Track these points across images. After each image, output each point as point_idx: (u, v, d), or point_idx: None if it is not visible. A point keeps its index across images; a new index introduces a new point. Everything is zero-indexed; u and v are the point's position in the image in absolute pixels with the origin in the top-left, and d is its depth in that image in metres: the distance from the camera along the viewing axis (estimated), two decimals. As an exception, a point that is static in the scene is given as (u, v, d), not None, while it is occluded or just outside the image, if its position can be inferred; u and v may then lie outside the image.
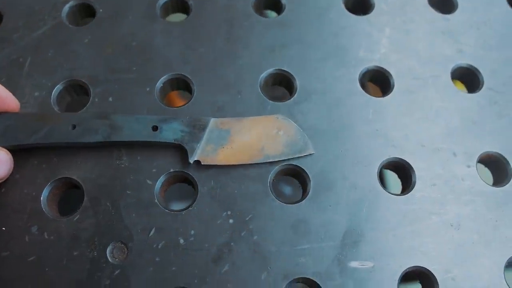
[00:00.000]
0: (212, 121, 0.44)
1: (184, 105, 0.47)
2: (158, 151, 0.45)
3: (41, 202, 0.43)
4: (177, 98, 0.61)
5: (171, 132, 0.43)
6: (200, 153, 0.43)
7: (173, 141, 0.43)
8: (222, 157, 0.43)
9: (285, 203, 0.44)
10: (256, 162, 0.44)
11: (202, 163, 0.43)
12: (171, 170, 0.44)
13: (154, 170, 0.44)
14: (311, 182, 0.45)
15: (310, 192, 0.44)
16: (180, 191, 0.49)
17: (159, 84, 0.48)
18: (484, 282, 0.43)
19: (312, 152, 0.45)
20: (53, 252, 0.42)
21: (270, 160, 0.44)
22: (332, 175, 0.45)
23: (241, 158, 0.44)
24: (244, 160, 0.44)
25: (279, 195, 0.44)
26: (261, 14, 0.53)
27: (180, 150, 0.45)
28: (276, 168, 0.45)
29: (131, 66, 0.48)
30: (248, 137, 0.44)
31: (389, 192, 0.45)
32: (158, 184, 0.44)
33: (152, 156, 0.45)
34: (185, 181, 0.46)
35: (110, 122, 0.43)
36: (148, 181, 0.44)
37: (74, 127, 0.42)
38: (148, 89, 0.47)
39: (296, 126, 0.46)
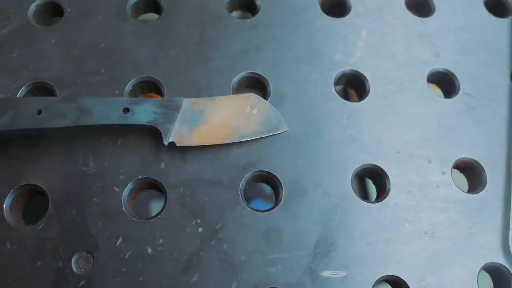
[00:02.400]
0: (185, 101, 0.44)
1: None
2: (126, 154, 0.44)
3: (4, 210, 0.42)
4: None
5: (143, 114, 0.42)
6: (175, 134, 0.43)
7: (146, 123, 0.42)
8: (197, 137, 0.43)
9: (256, 210, 0.43)
10: (232, 141, 0.44)
11: (177, 145, 0.43)
12: (139, 177, 0.44)
13: (121, 177, 0.44)
14: (283, 189, 0.44)
15: (282, 200, 0.44)
16: (151, 196, 0.48)
17: (128, 87, 0.47)
18: (458, 290, 0.42)
19: (286, 130, 0.45)
20: (16, 262, 0.41)
21: (245, 139, 0.44)
22: (305, 182, 0.45)
23: (216, 138, 0.44)
24: (220, 140, 0.44)
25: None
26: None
27: (149, 149, 0.45)
28: (248, 174, 0.45)
29: (99, 68, 0.48)
30: (222, 117, 0.44)
31: (362, 200, 0.45)
32: (126, 191, 0.43)
33: (120, 161, 0.44)
34: (154, 188, 0.45)
35: (78, 105, 0.41)
36: (116, 188, 0.43)
37: (39, 112, 0.41)
38: (116, 92, 0.47)
39: (269, 104, 0.46)
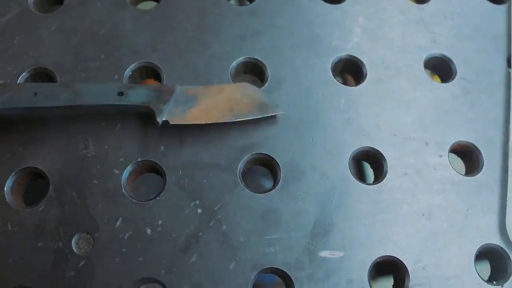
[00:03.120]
0: (179, 88, 0.44)
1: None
2: (125, 138, 0.45)
3: (5, 193, 0.42)
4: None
5: (137, 96, 0.42)
6: (168, 113, 0.43)
7: (140, 104, 0.42)
8: (191, 117, 0.43)
9: (254, 192, 0.43)
10: (226, 120, 0.44)
11: (170, 123, 0.42)
12: (139, 159, 0.44)
13: (121, 159, 0.44)
14: (281, 172, 0.45)
15: (280, 182, 0.44)
16: (150, 180, 0.48)
17: (127, 72, 0.47)
18: (455, 271, 0.43)
19: (282, 112, 0.45)
20: (17, 243, 0.41)
21: (241, 119, 0.44)
22: (303, 164, 0.45)
23: (210, 117, 0.44)
24: (214, 119, 0.43)
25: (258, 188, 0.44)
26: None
27: (149, 132, 0.45)
28: (246, 157, 0.45)
29: (99, 54, 0.48)
30: (216, 100, 0.44)
31: (360, 181, 0.45)
32: (125, 173, 0.43)
33: (120, 144, 0.44)
34: (153, 171, 0.45)
35: (73, 89, 0.42)
36: (115, 171, 0.44)
37: (35, 94, 0.41)
38: (116, 77, 0.47)
39: (263, 91, 0.46)
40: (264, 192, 0.44)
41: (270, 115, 0.45)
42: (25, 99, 0.41)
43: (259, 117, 0.44)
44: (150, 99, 0.43)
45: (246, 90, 0.45)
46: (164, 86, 0.44)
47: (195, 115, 0.43)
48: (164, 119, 0.42)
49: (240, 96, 0.45)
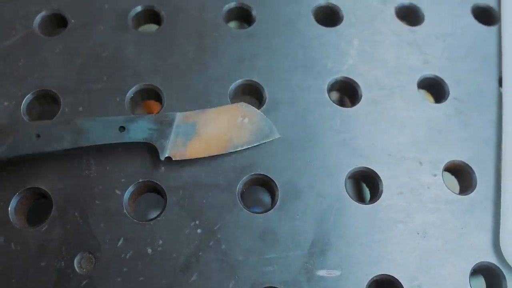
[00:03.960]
0: (178, 116, 0.44)
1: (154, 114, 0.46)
2: (127, 159, 0.45)
3: (9, 212, 0.43)
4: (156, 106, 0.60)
5: (139, 131, 0.43)
6: (170, 149, 0.43)
7: (142, 140, 0.43)
8: (192, 150, 0.44)
9: (252, 212, 0.44)
10: (225, 152, 0.44)
11: (173, 159, 0.43)
12: (140, 180, 0.44)
13: (123, 180, 0.44)
14: (279, 192, 0.45)
15: (278, 202, 0.44)
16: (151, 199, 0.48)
17: (129, 94, 0.48)
18: (450, 289, 0.43)
19: (278, 136, 0.46)
20: (20, 262, 0.41)
21: (238, 149, 0.45)
22: (300, 184, 0.45)
23: (210, 150, 0.44)
24: (214, 151, 0.44)
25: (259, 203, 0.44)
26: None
27: (149, 154, 0.45)
28: (245, 177, 0.45)
29: (101, 76, 0.48)
30: (215, 128, 0.45)
31: (356, 201, 0.45)
32: (127, 194, 0.43)
33: (121, 165, 0.45)
34: (154, 191, 0.46)
35: (75, 127, 0.42)
36: (117, 191, 0.44)
37: (38, 136, 0.41)
38: (118, 99, 0.47)
39: (260, 112, 0.46)
40: (262, 212, 0.44)
41: (267, 141, 0.46)
42: (27, 144, 0.41)
43: (257, 144, 0.45)
44: (152, 134, 0.43)
45: (243, 112, 0.46)
46: (163, 115, 0.44)
47: (195, 149, 0.44)
48: (167, 155, 0.43)
49: (238, 119, 0.46)
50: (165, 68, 0.49)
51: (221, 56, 0.50)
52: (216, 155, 0.45)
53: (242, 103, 0.46)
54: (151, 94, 0.49)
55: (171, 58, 0.50)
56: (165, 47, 0.51)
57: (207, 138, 0.44)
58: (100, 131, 0.42)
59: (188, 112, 0.45)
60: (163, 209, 0.43)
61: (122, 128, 0.42)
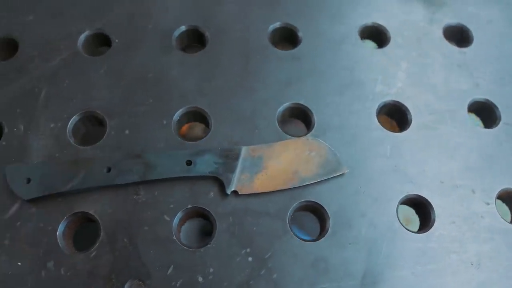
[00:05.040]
0: (244, 150, 0.45)
1: (202, 139, 0.48)
2: (175, 184, 0.45)
3: (57, 237, 0.43)
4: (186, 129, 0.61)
5: (205, 165, 0.44)
6: (237, 182, 0.44)
7: (208, 174, 0.44)
8: (259, 184, 0.44)
9: (304, 240, 0.44)
10: (292, 186, 0.44)
11: (239, 193, 0.44)
12: (189, 206, 0.44)
13: (171, 206, 0.44)
14: (330, 219, 0.45)
15: (329, 230, 0.44)
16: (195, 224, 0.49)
17: (176, 117, 0.48)
18: (505, 322, 0.42)
19: (346, 171, 0.46)
20: (70, 288, 0.41)
21: (306, 183, 0.45)
22: (351, 212, 0.45)
23: (277, 183, 0.44)
24: (280, 185, 0.44)
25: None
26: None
27: (213, 186, 0.45)
28: (295, 204, 0.45)
29: (147, 98, 0.49)
30: (281, 162, 0.45)
31: (407, 229, 0.45)
32: (176, 220, 0.44)
33: (170, 191, 0.45)
34: (203, 217, 0.46)
35: (143, 160, 0.43)
36: (166, 217, 0.44)
37: (109, 169, 0.43)
38: (164, 122, 0.48)
39: (327, 145, 0.46)
40: (313, 240, 0.44)
41: (334, 175, 0.45)
42: (99, 177, 0.43)
43: (325, 178, 0.45)
44: (218, 168, 0.44)
45: (310, 146, 0.46)
46: (229, 150, 0.45)
47: (262, 183, 0.44)
48: (233, 189, 0.44)
49: (305, 154, 0.46)
50: (211, 90, 0.50)
51: (267, 78, 0.51)
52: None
53: (309, 136, 0.47)
54: (198, 117, 0.50)
55: (216, 80, 0.51)
56: (210, 68, 0.52)
57: (274, 172, 0.45)
58: (168, 165, 0.43)
59: (254, 146, 0.46)
60: (213, 236, 0.44)
61: (189, 162, 0.43)
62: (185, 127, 0.54)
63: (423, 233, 0.45)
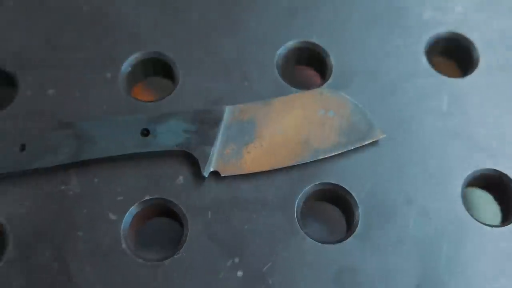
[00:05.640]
0: (228, 111, 0.42)
1: (164, 98, 0.45)
2: (125, 164, 0.42)
3: None
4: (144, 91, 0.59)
5: (169, 136, 0.41)
6: (218, 159, 0.41)
7: (174, 148, 0.41)
8: (250, 161, 0.41)
9: (321, 242, 0.40)
10: (301, 162, 0.41)
11: (222, 175, 0.41)
12: (146, 198, 0.40)
13: (119, 199, 0.40)
14: (360, 210, 0.41)
15: (358, 226, 0.40)
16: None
17: (125, 67, 0.45)
18: None
19: (382, 136, 0.43)
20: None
21: (321, 157, 0.42)
22: (391, 198, 0.41)
23: (277, 159, 0.42)
24: (282, 161, 0.41)
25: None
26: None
27: (181, 166, 0.42)
28: (307, 189, 0.41)
29: (81, 40, 0.46)
30: (284, 127, 0.42)
31: (480, 222, 0.41)
32: (126, 220, 0.40)
33: (117, 176, 0.41)
34: (167, 214, 0.42)
35: (75, 131, 0.40)
36: (111, 215, 0.40)
37: (23, 147, 0.40)
38: (109, 75, 0.45)
39: (352, 101, 0.43)
40: (335, 242, 0.40)
41: (364, 143, 0.42)
42: (8, 159, 0.40)
43: (350, 148, 0.42)
44: (189, 139, 0.41)
45: (326, 101, 0.43)
46: (206, 112, 0.42)
47: (256, 158, 0.41)
48: (212, 170, 0.40)
49: (319, 114, 0.43)
50: (178, 29, 0.47)
51: (261, 6, 0.48)
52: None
53: (324, 88, 0.44)
54: (159, 68, 0.47)
55: (184, 11, 0.48)
56: (176, -3, 0.49)
57: (272, 143, 0.42)
58: (114, 137, 0.41)
59: (242, 105, 0.43)
60: (184, 242, 0.39)
61: (145, 132, 0.41)
62: (139, 87, 0.52)
63: (505, 226, 0.41)
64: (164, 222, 0.43)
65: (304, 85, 0.45)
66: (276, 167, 0.41)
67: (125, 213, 0.40)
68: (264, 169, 0.41)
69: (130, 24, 0.47)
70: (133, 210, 0.40)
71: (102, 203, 0.40)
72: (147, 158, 0.42)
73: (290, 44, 0.47)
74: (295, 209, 0.41)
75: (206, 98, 0.44)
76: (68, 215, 0.40)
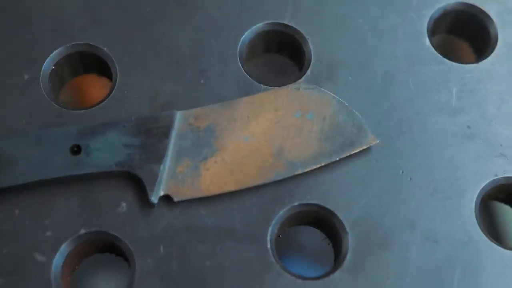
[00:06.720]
0: (180, 116, 0.44)
1: (99, 103, 0.46)
2: (55, 194, 0.44)
3: None
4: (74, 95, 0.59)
5: (106, 152, 0.43)
6: (169, 180, 0.43)
7: (113, 168, 0.42)
8: (210, 181, 0.43)
9: (302, 278, 0.42)
10: (275, 179, 0.44)
11: (175, 200, 0.43)
12: (82, 232, 0.43)
13: (47, 234, 0.43)
14: (349, 236, 0.43)
15: (348, 256, 0.43)
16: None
17: (47, 65, 0.47)
18: None
19: (374, 143, 0.45)
20: None
21: (300, 171, 0.44)
22: (388, 220, 0.44)
23: (244, 176, 0.44)
24: (252, 179, 0.44)
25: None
26: None
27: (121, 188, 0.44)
28: (281, 213, 0.44)
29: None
30: (251, 135, 0.44)
31: (499, 245, 0.44)
32: (58, 260, 0.42)
33: (45, 205, 0.43)
34: (110, 251, 0.44)
35: None
36: (37, 256, 0.42)
37: None
38: (26, 76, 0.47)
39: (337, 98, 0.45)
40: (320, 277, 0.43)
41: (353, 152, 0.44)
42: None
43: (335, 160, 0.44)
44: (132, 156, 0.43)
45: (304, 100, 0.45)
46: (152, 119, 0.44)
47: (217, 177, 0.43)
48: (162, 194, 0.42)
49: (295, 115, 0.45)
50: (113, 14, 0.50)
51: None
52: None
53: (301, 82, 0.46)
54: (91, 64, 0.49)
55: None
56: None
57: (237, 156, 0.44)
58: (36, 157, 0.42)
59: (197, 109, 0.45)
60: (131, 285, 0.42)
61: (76, 148, 0.42)
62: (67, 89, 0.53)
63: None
64: (107, 260, 0.45)
65: (275, 79, 0.47)
66: (243, 187, 0.43)
67: (56, 252, 0.42)
68: (228, 190, 0.43)
69: (54, 11, 0.48)
70: (65, 248, 0.42)
71: (26, 241, 0.42)
72: (80, 181, 0.43)
73: (257, 28, 0.49)
74: (268, 238, 0.43)
75: (152, 101, 0.46)
76: (-17, 256, 0.41)
